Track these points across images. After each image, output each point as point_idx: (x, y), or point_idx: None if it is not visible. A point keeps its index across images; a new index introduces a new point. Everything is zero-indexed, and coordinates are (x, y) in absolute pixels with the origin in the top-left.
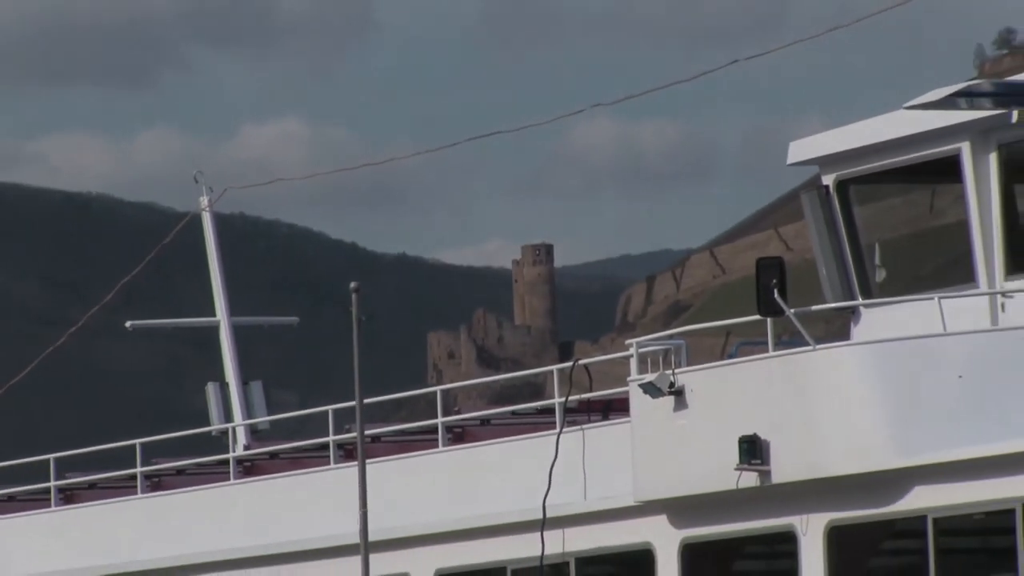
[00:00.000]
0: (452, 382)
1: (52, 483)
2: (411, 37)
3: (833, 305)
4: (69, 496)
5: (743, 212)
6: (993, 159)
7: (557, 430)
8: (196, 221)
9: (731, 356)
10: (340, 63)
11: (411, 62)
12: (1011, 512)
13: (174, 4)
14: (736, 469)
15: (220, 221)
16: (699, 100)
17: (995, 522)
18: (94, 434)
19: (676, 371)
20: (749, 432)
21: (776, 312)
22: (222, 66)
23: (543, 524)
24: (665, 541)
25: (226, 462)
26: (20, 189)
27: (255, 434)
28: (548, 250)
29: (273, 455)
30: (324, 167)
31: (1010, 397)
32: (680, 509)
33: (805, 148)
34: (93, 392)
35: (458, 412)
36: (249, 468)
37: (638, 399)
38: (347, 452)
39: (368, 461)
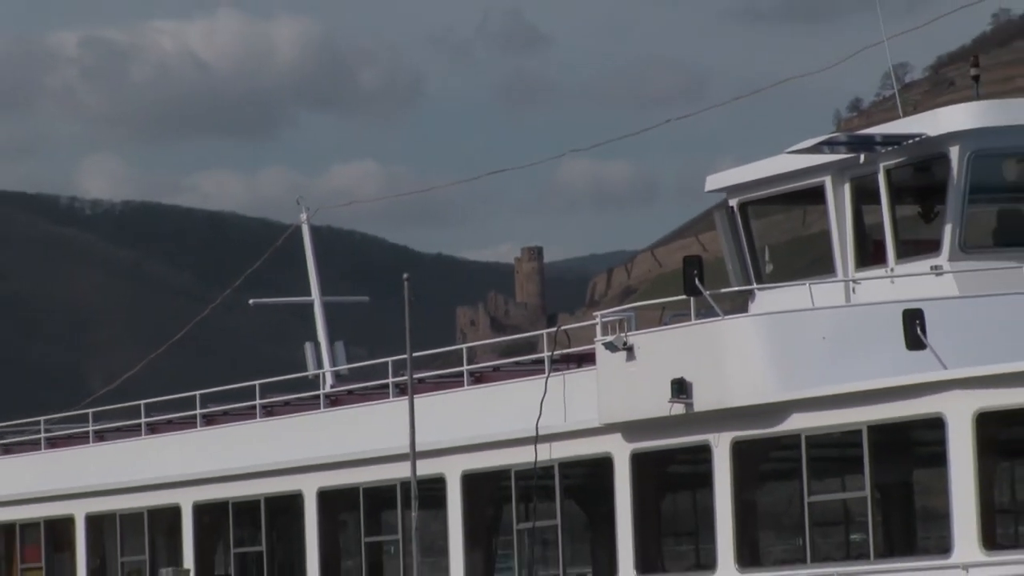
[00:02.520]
0: (473, 342)
1: (197, 411)
2: (448, 102)
3: (735, 289)
4: (209, 420)
5: (675, 224)
6: (847, 188)
7: (546, 375)
8: (297, 231)
9: (666, 324)
10: (401, 120)
11: (448, 119)
12: (859, 431)
13: (286, 78)
14: (669, 402)
15: (313, 231)
16: (646, 147)
17: (848, 439)
18: (227, 379)
19: (627, 334)
20: (678, 376)
21: (696, 293)
22: (318, 121)
23: (536, 439)
24: (620, 451)
25: (317, 397)
26: (180, 209)
27: (338, 377)
28: (539, 251)
29: (350, 392)
30: (387, 193)
31: (858, 352)
32: (631, 429)
33: (718, 180)
34: (226, 350)
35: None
36: (334, 401)
37: (601, 353)
38: (400, 390)
39: (416, 396)
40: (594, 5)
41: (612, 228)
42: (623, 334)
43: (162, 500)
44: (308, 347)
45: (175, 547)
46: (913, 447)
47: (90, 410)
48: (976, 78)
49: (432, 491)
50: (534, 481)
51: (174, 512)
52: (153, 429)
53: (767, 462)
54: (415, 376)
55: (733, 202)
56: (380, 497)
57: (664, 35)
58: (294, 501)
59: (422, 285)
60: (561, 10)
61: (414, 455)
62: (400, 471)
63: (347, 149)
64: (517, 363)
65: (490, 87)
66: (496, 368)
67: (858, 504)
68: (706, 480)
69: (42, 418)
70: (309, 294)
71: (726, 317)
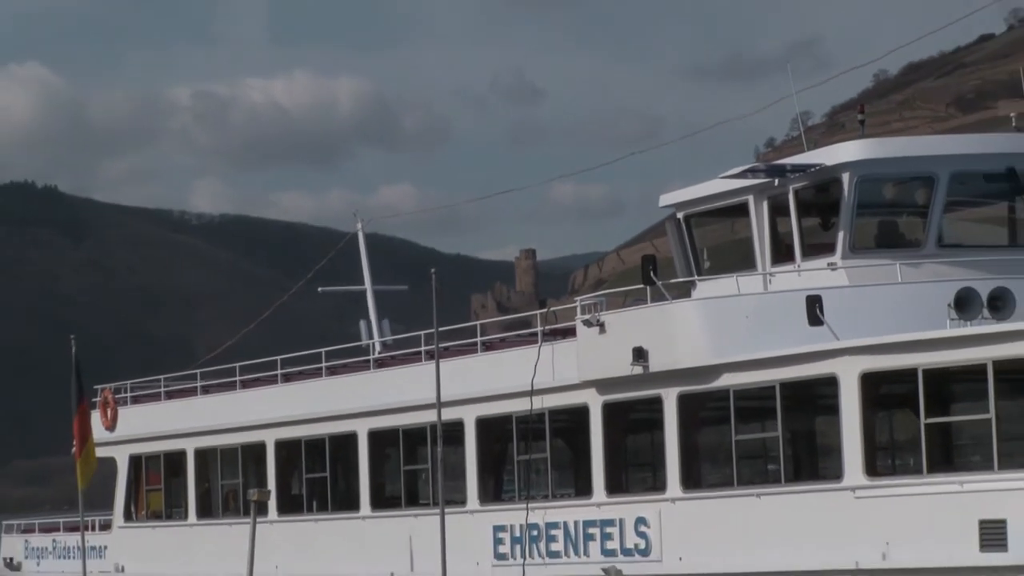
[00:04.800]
0: (483, 320)
1: (278, 371)
2: (468, 140)
3: (681, 280)
4: (287, 378)
5: (636, 231)
6: (765, 204)
7: (539, 344)
8: (353, 237)
9: (628, 306)
10: (432, 154)
11: (468, 153)
12: (773, 387)
13: (346, 122)
14: (631, 364)
15: (365, 237)
16: (616, 174)
17: (765, 393)
18: (299, 348)
19: (600, 314)
20: (637, 345)
21: (651, 283)
22: (370, 154)
23: (531, 393)
24: (594, 401)
25: (368, 361)
26: (264, 220)
27: (384, 346)
28: (534, 252)
29: (392, 357)
30: (421, 209)
31: (773, 328)
32: (602, 385)
33: (669, 198)
34: (299, 326)
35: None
36: (380, 363)
37: (580, 328)
38: (430, 355)
39: (441, 360)
40: (578, 67)
41: (589, 235)
42: (596, 314)
43: (251, 438)
44: (362, 324)
45: (261, 473)
46: (814, 399)
47: (198, 371)
48: (862, 122)
49: (453, 432)
50: (530, 424)
51: (260, 447)
52: (245, 385)
53: (704, 410)
54: (441, 345)
55: (680, 215)
56: (415, 436)
57: (630, 89)
58: (350, 439)
59: (445, 278)
60: (554, 70)
61: (440, 404)
62: (429, 416)
63: (391, 175)
64: (517, 335)
65: (500, 129)
66: (501, 339)
67: (773, 442)
68: (659, 424)
69: (162, 377)
70: (363, 284)
71: (674, 301)
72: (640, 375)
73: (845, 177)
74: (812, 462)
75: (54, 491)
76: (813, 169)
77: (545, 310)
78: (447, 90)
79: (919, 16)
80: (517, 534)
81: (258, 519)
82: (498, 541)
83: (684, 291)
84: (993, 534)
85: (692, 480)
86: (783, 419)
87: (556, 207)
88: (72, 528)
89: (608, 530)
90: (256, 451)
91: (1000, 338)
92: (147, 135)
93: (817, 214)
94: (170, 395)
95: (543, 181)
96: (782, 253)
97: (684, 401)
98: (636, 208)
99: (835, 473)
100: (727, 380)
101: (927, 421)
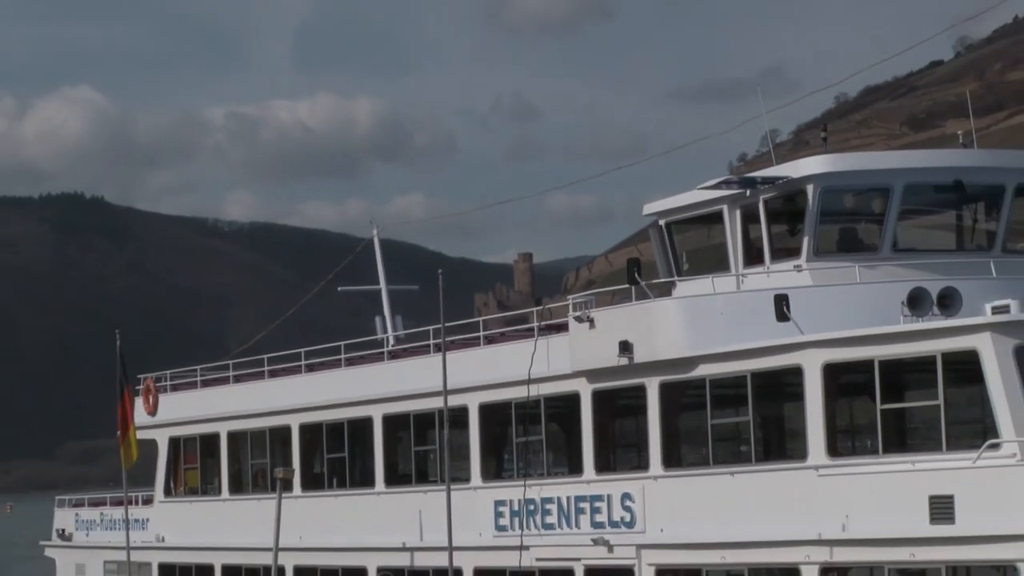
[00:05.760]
0: (485, 316)
1: (302, 362)
2: (473, 155)
3: (662, 280)
4: (310, 368)
5: (622, 237)
6: (738, 213)
7: (535, 338)
8: (369, 242)
9: (615, 304)
10: (440, 167)
11: (472, 167)
12: (745, 376)
13: (363, 139)
14: (617, 356)
15: (380, 242)
16: (604, 185)
17: (738, 381)
18: (321, 342)
19: (590, 311)
20: (623, 338)
21: (636, 283)
22: (385, 168)
23: (528, 381)
24: (584, 389)
25: (383, 352)
26: (289, 227)
27: (396, 340)
28: (530, 255)
29: (404, 349)
30: (430, 216)
31: (744, 323)
32: (592, 374)
33: (652, 206)
34: (321, 322)
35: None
36: (393, 355)
37: (572, 323)
38: (438, 348)
39: (448, 352)
40: (571, 90)
41: (580, 240)
42: (587, 311)
43: (278, 422)
44: (377, 319)
45: (287, 454)
46: (781, 387)
47: (230, 362)
48: (824, 139)
49: (459, 416)
50: (527, 410)
51: (286, 430)
52: (272, 375)
53: (683, 397)
54: (447, 339)
55: (662, 222)
56: (424, 420)
57: (617, 109)
58: (367, 423)
59: (451, 279)
60: (549, 93)
61: (446, 392)
62: (437, 403)
63: (404, 186)
64: (516, 330)
65: (501, 146)
66: (501, 334)
67: (745, 426)
68: (642, 409)
69: (198, 367)
70: (378, 284)
71: (656, 299)
72: (626, 366)
73: (809, 188)
74: (780, 444)
75: (101, 470)
76: (781, 181)
77: (541, 307)
78: (454, 110)
79: (876, 44)
80: (515, 508)
81: (284, 495)
82: (498, 514)
83: (665, 290)
84: (941, 508)
85: (672, 460)
86: (754, 405)
87: (551, 215)
88: (117, 503)
89: (597, 504)
90: (282, 434)
91: (948, 333)
92: (185, 151)
93: (784, 221)
94: (205, 384)
95: (539, 192)
96: (753, 256)
97: (665, 389)
98: (623, 216)
99: (800, 453)
100: (704, 370)
101: (883, 407)
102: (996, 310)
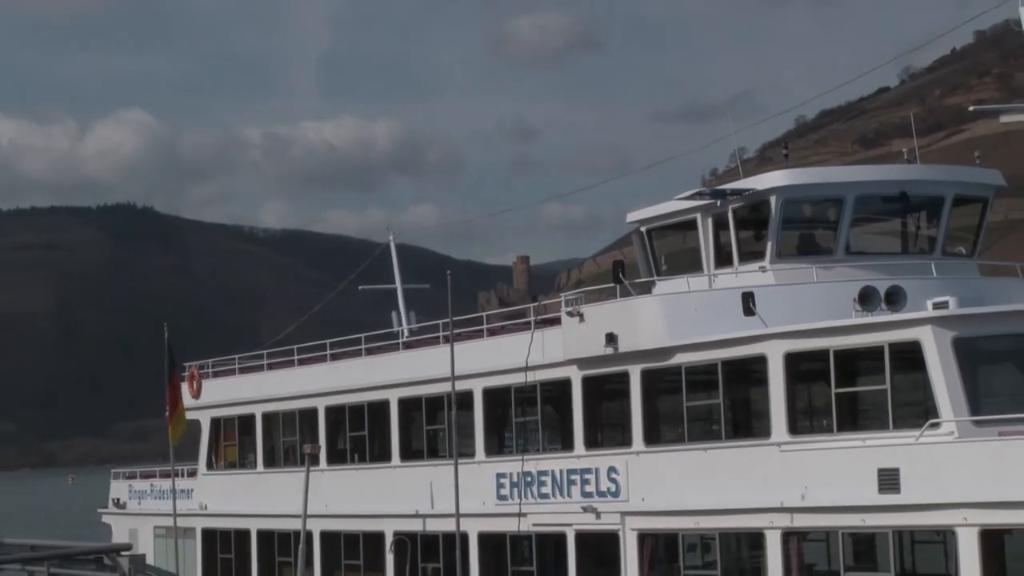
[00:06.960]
0: (488, 311)
1: (328, 352)
2: (479, 171)
3: (644, 280)
4: (334, 357)
5: (609, 242)
6: (710, 220)
7: (532, 331)
8: (387, 247)
9: (602, 301)
10: (450, 181)
11: (478, 181)
12: (716, 364)
13: (383, 156)
14: (604, 347)
15: (396, 247)
16: (594, 196)
17: (710, 368)
18: (344, 334)
19: (580, 307)
20: (609, 331)
21: (620, 283)
22: (401, 181)
23: (526, 368)
24: (575, 376)
25: (398, 343)
26: (316, 233)
27: (410, 332)
28: (528, 258)
29: (417, 340)
30: (441, 224)
31: (716, 317)
32: (582, 362)
33: (635, 215)
34: (343, 317)
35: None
36: (408, 345)
37: (565, 318)
38: (446, 340)
39: (455, 343)
40: (565, 112)
41: (572, 244)
42: (577, 307)
43: (306, 405)
44: (393, 314)
45: (313, 433)
46: (748, 373)
47: (264, 352)
48: (786, 156)
49: (465, 399)
50: (525, 393)
51: (313, 412)
52: (301, 363)
53: (662, 382)
54: (455, 331)
55: (643, 229)
56: (434, 403)
57: (606, 130)
58: (384, 405)
59: (458, 279)
60: (546, 115)
61: (454, 378)
62: (446, 387)
63: (418, 198)
64: (515, 324)
65: (503, 162)
66: (502, 327)
67: (716, 407)
68: (626, 393)
69: (236, 356)
70: (394, 284)
71: (638, 297)
72: (611, 355)
73: (773, 199)
74: (747, 423)
75: (151, 446)
76: (747, 193)
77: (537, 304)
78: (462, 130)
79: (831, 72)
80: (515, 480)
81: (311, 468)
82: (500, 485)
83: (646, 289)
84: (888, 479)
85: (653, 437)
86: (724, 389)
87: (546, 222)
88: (165, 475)
89: (586, 476)
90: (310, 415)
91: (894, 326)
92: (225, 166)
93: (751, 228)
94: (243, 371)
95: (536, 202)
96: (723, 259)
97: (646, 375)
98: (609, 223)
99: (765, 432)
100: (680, 359)
101: (837, 391)
102: (936, 306)
